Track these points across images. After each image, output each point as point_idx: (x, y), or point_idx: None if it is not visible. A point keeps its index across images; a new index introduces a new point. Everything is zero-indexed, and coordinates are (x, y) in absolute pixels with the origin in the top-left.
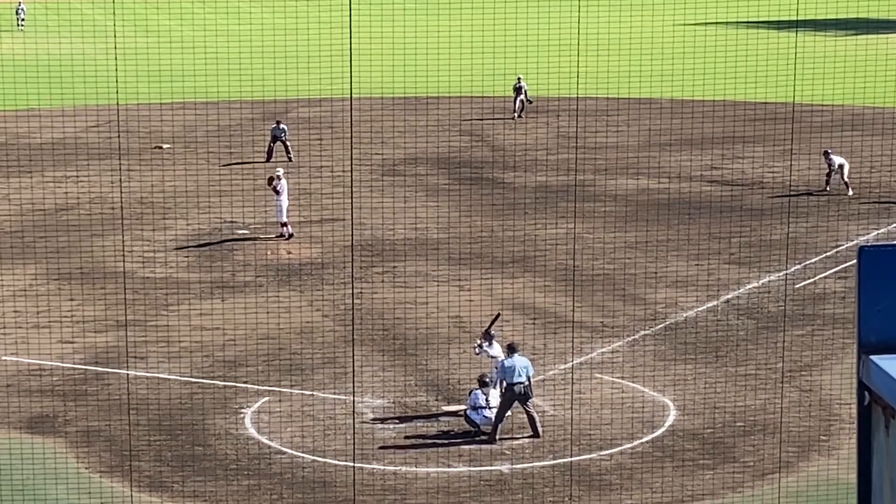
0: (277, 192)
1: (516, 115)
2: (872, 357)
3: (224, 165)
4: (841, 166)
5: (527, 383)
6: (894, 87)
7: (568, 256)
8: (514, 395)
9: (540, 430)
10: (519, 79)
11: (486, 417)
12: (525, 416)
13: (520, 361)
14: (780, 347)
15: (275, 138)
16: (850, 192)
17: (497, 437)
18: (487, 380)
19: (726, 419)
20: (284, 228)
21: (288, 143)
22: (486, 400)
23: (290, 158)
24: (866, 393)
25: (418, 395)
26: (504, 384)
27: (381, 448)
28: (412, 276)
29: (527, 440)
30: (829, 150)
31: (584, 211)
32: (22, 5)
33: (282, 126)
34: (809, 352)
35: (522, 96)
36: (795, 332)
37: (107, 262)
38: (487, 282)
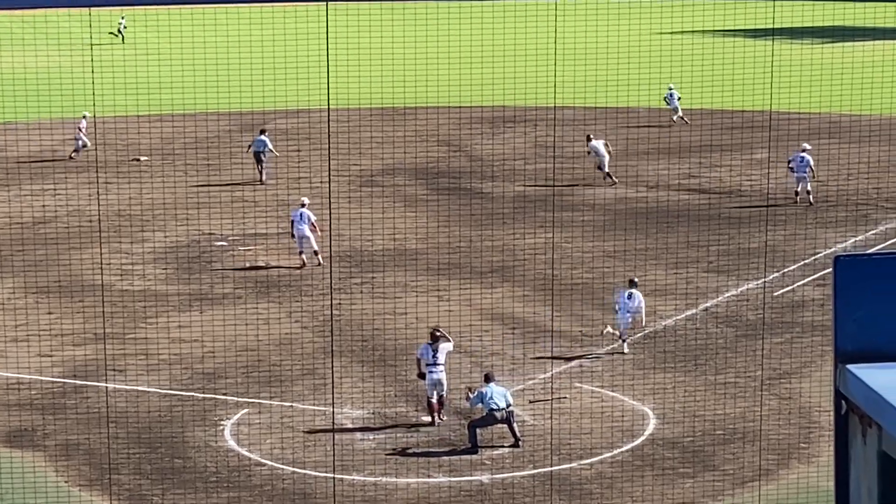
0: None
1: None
2: (849, 366)
3: (213, 182)
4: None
5: (507, 409)
6: (871, 95)
7: (546, 266)
8: (497, 420)
9: (519, 437)
10: None
11: (431, 375)
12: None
13: (497, 390)
14: (759, 355)
15: (256, 156)
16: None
17: (477, 446)
18: (438, 333)
19: (706, 427)
20: (317, 257)
21: (264, 162)
22: (434, 356)
23: (262, 180)
24: (843, 402)
25: (398, 405)
26: (485, 412)
27: (361, 459)
28: (391, 287)
29: (507, 449)
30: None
31: (563, 220)
32: None
33: (262, 138)
34: (788, 359)
35: None
36: (774, 340)
37: (85, 275)
38: (466, 292)
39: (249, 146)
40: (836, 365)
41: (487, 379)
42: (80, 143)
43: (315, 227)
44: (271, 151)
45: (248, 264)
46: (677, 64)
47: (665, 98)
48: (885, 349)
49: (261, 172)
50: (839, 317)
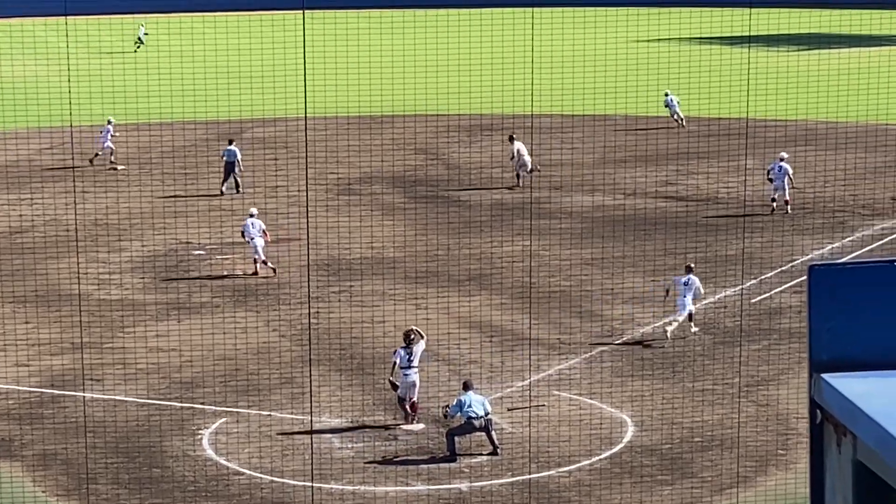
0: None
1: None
2: (824, 375)
3: (190, 191)
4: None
5: (486, 417)
6: (847, 102)
7: (524, 273)
8: (474, 428)
9: (498, 445)
10: None
11: (406, 378)
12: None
13: (475, 399)
14: (736, 362)
15: (228, 165)
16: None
17: (455, 455)
18: (412, 336)
19: (684, 434)
20: (259, 265)
21: (239, 174)
22: (409, 359)
23: (222, 191)
24: (818, 411)
25: (376, 413)
26: (462, 420)
27: (339, 467)
28: (369, 295)
29: (485, 457)
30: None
31: (540, 228)
32: None
33: (233, 148)
34: (766, 366)
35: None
36: (752, 347)
37: (62, 284)
38: (444, 300)
39: (222, 156)
40: (810, 374)
41: (466, 387)
42: (107, 147)
43: (266, 234)
44: (239, 164)
45: (226, 273)
46: (654, 71)
47: (666, 104)
48: (860, 358)
49: (234, 183)
50: (814, 326)
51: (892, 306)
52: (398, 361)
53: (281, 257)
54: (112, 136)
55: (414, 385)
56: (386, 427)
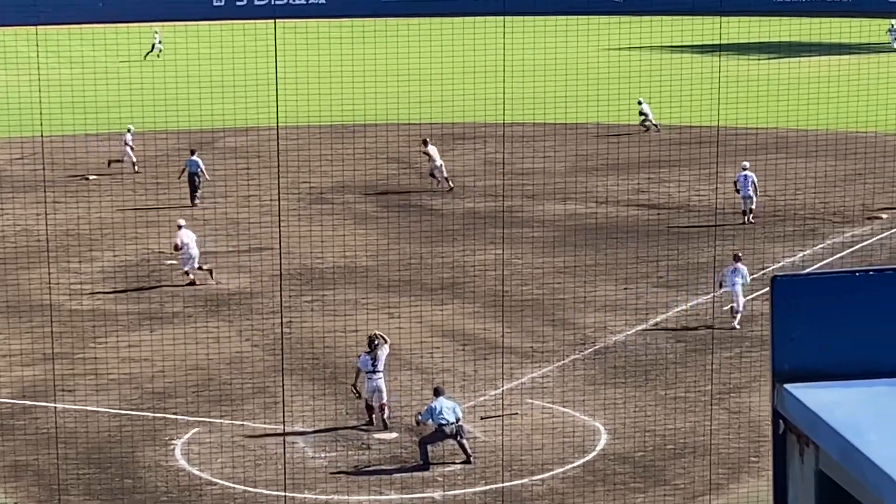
0: (178, 248)
1: None
2: (786, 386)
3: (162, 201)
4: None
5: (457, 423)
6: (817, 110)
7: (497, 282)
8: (445, 436)
9: (471, 454)
10: None
11: (371, 382)
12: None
13: (446, 403)
14: (708, 370)
15: (191, 176)
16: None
17: (428, 463)
18: (376, 342)
19: (657, 442)
20: (189, 276)
21: (199, 186)
22: (373, 364)
23: (195, 203)
24: (781, 421)
25: (349, 423)
26: (433, 428)
27: (312, 477)
28: (342, 304)
29: (459, 466)
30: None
31: (513, 236)
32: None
33: (195, 158)
34: (738, 373)
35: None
36: (724, 355)
37: (33, 294)
38: (417, 308)
39: (183, 169)
40: (773, 384)
41: (437, 393)
42: (127, 157)
43: (194, 244)
44: (204, 173)
45: (198, 283)
46: (625, 79)
47: (641, 112)
48: (823, 369)
49: (193, 196)
50: (776, 336)
51: (854, 316)
52: (362, 367)
53: (253, 266)
54: (130, 145)
55: (379, 389)
56: (356, 427)
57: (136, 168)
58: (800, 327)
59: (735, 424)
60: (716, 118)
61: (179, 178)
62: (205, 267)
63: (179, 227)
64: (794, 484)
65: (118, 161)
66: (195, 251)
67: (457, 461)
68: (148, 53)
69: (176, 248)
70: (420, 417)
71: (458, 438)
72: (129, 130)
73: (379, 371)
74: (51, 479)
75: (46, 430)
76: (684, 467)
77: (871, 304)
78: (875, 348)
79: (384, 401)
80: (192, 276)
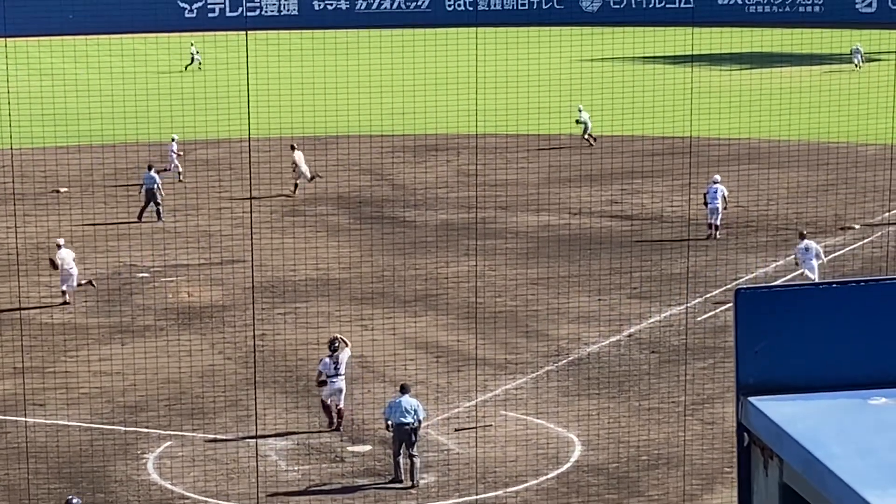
0: (56, 266)
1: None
2: (750, 398)
3: (133, 214)
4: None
5: (415, 425)
6: (789, 120)
7: (471, 294)
8: (401, 435)
9: (417, 479)
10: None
11: (333, 384)
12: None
13: (408, 402)
14: (682, 380)
15: (149, 194)
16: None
17: (401, 475)
18: (337, 344)
19: (631, 453)
20: (66, 296)
21: (160, 201)
22: (335, 367)
23: (158, 216)
24: (745, 434)
25: (322, 436)
26: (391, 424)
27: (286, 490)
28: (314, 317)
29: (433, 478)
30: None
31: (486, 248)
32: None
33: (152, 174)
34: (712, 384)
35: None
36: (697, 365)
37: (3, 307)
38: (390, 320)
39: (141, 185)
40: (737, 397)
41: (403, 390)
42: (173, 166)
43: (73, 263)
44: (160, 189)
45: (170, 296)
46: (598, 90)
47: (578, 120)
48: (786, 381)
49: (157, 211)
50: (740, 349)
51: (818, 329)
52: (324, 370)
53: (226, 279)
54: (175, 153)
55: (340, 391)
56: (332, 449)
57: (181, 177)
58: (763, 340)
59: (709, 435)
60: (689, 129)
61: (140, 193)
62: (83, 282)
63: (59, 246)
64: (759, 496)
65: (165, 170)
66: (74, 270)
67: (427, 474)
68: (188, 66)
69: (53, 266)
70: (384, 414)
71: (411, 451)
72: (173, 139)
73: (340, 374)
74: (21, 494)
75: (17, 445)
76: (658, 478)
77: (835, 317)
78: (838, 360)
79: (341, 405)
80: (68, 297)
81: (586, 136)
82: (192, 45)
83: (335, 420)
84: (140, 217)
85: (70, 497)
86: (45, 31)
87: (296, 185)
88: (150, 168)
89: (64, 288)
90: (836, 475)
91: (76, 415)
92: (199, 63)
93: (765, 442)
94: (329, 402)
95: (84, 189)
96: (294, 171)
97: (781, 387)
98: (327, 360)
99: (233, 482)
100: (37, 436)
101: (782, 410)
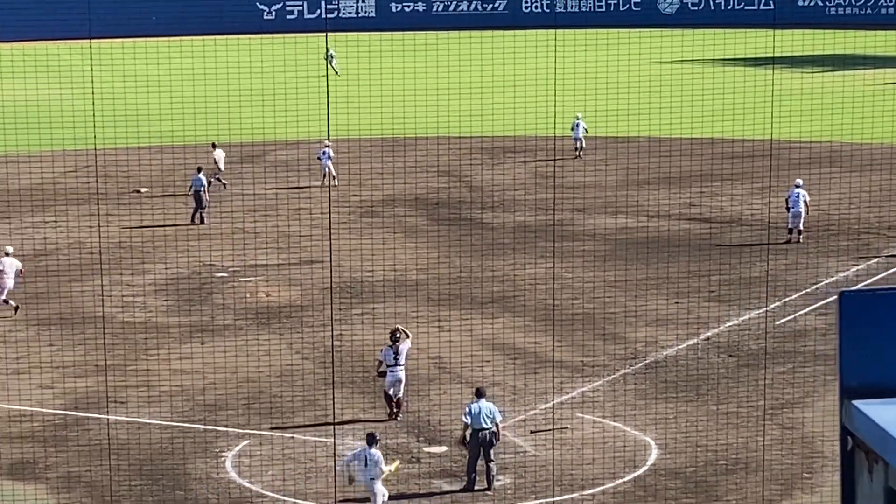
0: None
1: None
2: (855, 402)
3: (213, 213)
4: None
5: (493, 429)
6: (871, 123)
7: (547, 296)
8: (479, 442)
9: (493, 484)
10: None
11: (392, 374)
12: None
13: (485, 406)
14: (761, 385)
15: (197, 196)
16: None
17: (474, 484)
18: (398, 335)
19: (708, 457)
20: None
21: (206, 205)
22: (395, 358)
23: (201, 220)
24: (849, 438)
25: (399, 436)
26: (469, 430)
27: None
28: (391, 317)
29: (509, 480)
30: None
31: (563, 250)
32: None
33: (200, 176)
34: (791, 389)
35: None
36: (776, 370)
37: (86, 306)
38: (467, 322)
39: (190, 187)
40: (841, 400)
41: (479, 394)
42: (327, 167)
43: (22, 272)
44: (207, 191)
45: (248, 296)
46: (678, 92)
47: (572, 127)
48: (891, 385)
49: (201, 213)
50: (844, 352)
51: None
52: (384, 360)
53: (304, 279)
54: (330, 157)
55: (400, 381)
56: (409, 450)
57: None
58: (867, 343)
59: (788, 440)
60: (769, 131)
61: (188, 194)
62: (11, 302)
63: (6, 254)
64: (863, 500)
65: (217, 179)
66: (10, 282)
67: (505, 476)
68: (330, 65)
69: None
70: (463, 418)
71: (488, 460)
72: (327, 145)
73: (400, 364)
74: (103, 491)
75: (99, 442)
76: (736, 483)
77: None
78: None
79: (401, 394)
80: (11, 303)
81: (577, 149)
82: (328, 48)
83: (394, 410)
84: (192, 220)
85: None
86: (128, 33)
87: (219, 181)
88: (199, 171)
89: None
90: None
91: (156, 413)
92: (336, 72)
93: (869, 446)
94: (390, 391)
95: (165, 189)
96: (214, 165)
97: (887, 390)
98: (388, 349)
99: (310, 481)
100: (118, 433)
101: (888, 414)
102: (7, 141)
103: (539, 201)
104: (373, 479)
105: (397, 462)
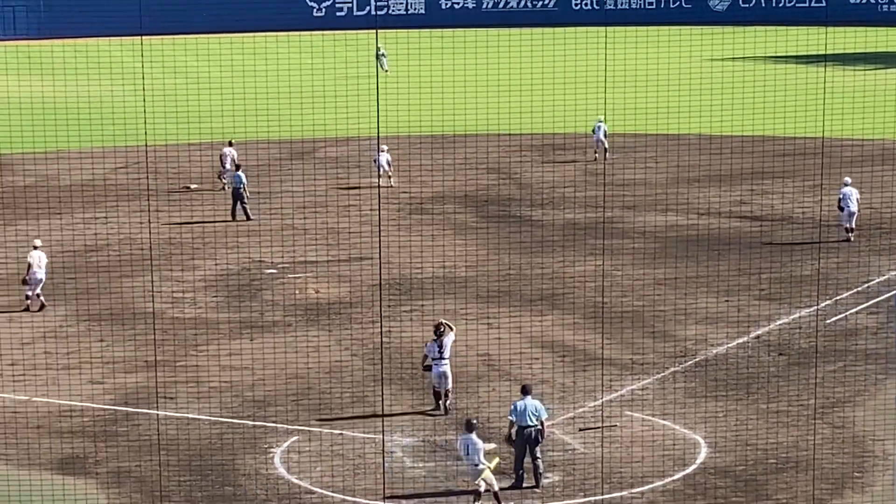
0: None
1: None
2: None
3: (262, 210)
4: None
5: (538, 426)
6: None
7: (597, 293)
8: (525, 439)
9: (541, 481)
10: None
11: (437, 368)
12: (532, 461)
13: (531, 404)
14: (811, 383)
15: (235, 193)
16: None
17: (522, 481)
18: (442, 329)
19: (758, 456)
20: (30, 301)
21: (247, 202)
22: (440, 351)
23: (245, 215)
24: None
25: (448, 433)
26: (515, 427)
27: (411, 487)
28: (440, 314)
29: (558, 478)
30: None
31: (613, 248)
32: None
33: (239, 173)
34: (842, 388)
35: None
36: (827, 368)
37: (136, 302)
38: (516, 319)
39: (226, 184)
40: None
41: (524, 391)
42: (382, 166)
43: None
44: (246, 189)
45: (297, 292)
46: (728, 90)
47: (593, 130)
48: None
49: (244, 210)
50: None
51: None
52: (429, 354)
53: (353, 276)
54: (388, 161)
55: (445, 375)
56: (457, 447)
57: (392, 182)
58: None
59: (839, 439)
60: (820, 129)
61: (228, 186)
62: (42, 299)
63: (35, 247)
64: None
65: (389, 177)
66: (41, 274)
67: (554, 474)
68: (379, 64)
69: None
70: (509, 416)
71: (534, 457)
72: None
73: (445, 358)
74: (153, 486)
75: (148, 437)
76: (786, 482)
77: None
78: None
79: (449, 387)
80: (41, 300)
81: (596, 153)
82: (379, 46)
83: (442, 404)
84: (233, 216)
85: None
86: (178, 29)
87: (223, 184)
88: (237, 168)
89: (28, 292)
90: None
91: (206, 408)
92: (386, 71)
93: None
94: (437, 385)
95: (215, 185)
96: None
97: None
98: (433, 343)
99: (359, 478)
100: (167, 428)
101: None
102: (59, 137)
103: (588, 199)
104: (476, 465)
105: (497, 459)
